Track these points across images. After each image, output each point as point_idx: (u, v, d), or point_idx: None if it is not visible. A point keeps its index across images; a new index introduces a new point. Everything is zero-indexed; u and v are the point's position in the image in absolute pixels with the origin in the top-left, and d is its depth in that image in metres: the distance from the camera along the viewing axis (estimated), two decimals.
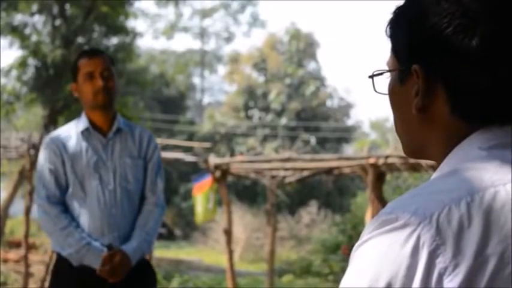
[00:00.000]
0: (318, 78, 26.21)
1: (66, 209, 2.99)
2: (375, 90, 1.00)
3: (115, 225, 2.98)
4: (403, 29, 0.94)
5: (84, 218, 2.98)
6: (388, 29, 0.97)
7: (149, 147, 3.11)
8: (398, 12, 0.96)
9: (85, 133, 3.04)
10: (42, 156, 3.05)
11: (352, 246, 0.85)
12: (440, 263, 0.77)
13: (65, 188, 3.00)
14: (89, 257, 2.91)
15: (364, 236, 0.83)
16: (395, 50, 0.96)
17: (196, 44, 38.54)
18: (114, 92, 3.04)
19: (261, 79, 26.61)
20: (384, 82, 0.99)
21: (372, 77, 1.00)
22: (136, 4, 17.92)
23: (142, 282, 3.07)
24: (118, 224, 2.99)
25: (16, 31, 13.45)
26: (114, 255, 2.90)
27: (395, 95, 0.96)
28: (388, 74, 0.97)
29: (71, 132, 3.06)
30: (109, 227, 2.97)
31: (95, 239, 2.96)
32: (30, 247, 9.64)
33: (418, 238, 0.78)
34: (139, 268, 3.00)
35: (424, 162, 5.55)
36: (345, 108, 26.84)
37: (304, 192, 20.29)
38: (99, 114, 3.04)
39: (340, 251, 12.51)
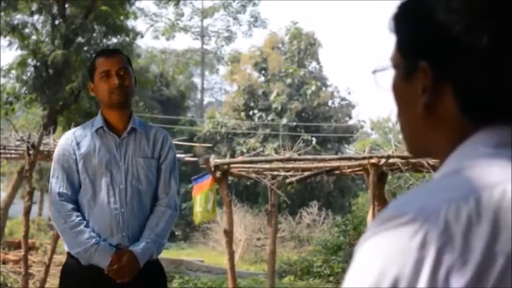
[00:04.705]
0: (319, 78, 26.18)
1: (77, 208, 3.00)
2: (378, 86, 0.98)
3: (124, 225, 2.98)
4: (409, 24, 0.92)
5: (94, 217, 2.99)
6: (392, 24, 0.95)
7: (164, 148, 3.11)
8: (405, 7, 0.93)
9: (99, 132, 3.06)
10: (56, 154, 3.07)
11: None
12: (447, 260, 0.75)
13: (77, 187, 3.02)
14: (97, 257, 2.91)
15: (369, 231, 0.80)
16: (399, 46, 0.94)
17: (196, 44, 38.48)
18: (130, 91, 3.05)
19: (261, 79, 26.59)
20: (388, 78, 0.96)
21: (374, 72, 0.98)
22: (136, 4, 17.87)
23: (152, 283, 3.06)
24: (127, 224, 2.99)
25: (16, 31, 13.42)
26: (122, 255, 2.91)
27: (400, 91, 0.94)
28: (392, 70, 0.96)
29: (87, 130, 3.08)
30: (118, 226, 2.97)
31: (104, 238, 2.96)
32: (30, 248, 9.62)
33: (426, 234, 0.76)
34: (149, 269, 2.99)
35: (426, 162, 5.52)
36: (346, 108, 26.81)
37: (305, 192, 20.28)
38: (115, 113, 3.06)
39: (341, 252, 12.47)
